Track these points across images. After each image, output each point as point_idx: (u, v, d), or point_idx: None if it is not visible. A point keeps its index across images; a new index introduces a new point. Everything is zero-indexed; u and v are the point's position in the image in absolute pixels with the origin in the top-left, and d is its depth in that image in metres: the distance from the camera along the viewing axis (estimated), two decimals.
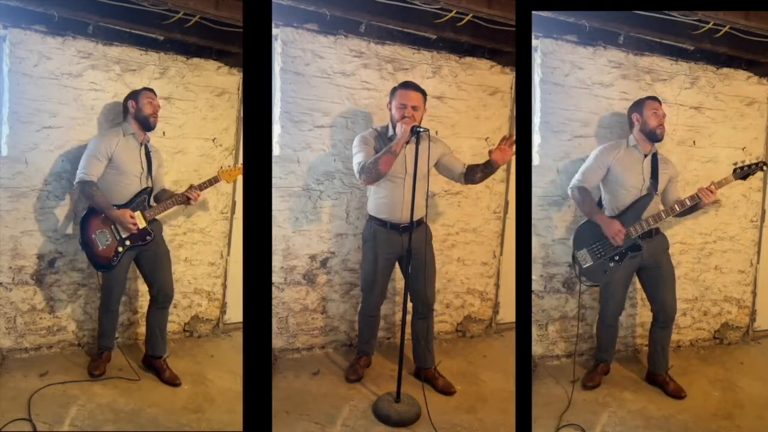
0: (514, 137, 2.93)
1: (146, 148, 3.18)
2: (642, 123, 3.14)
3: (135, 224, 3.05)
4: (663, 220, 3.09)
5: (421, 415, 2.90)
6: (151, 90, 3.19)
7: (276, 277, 3.43)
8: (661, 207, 3.16)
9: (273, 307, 3.41)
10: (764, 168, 3.10)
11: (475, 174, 3.09)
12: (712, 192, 3.04)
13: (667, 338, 3.27)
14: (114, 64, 3.35)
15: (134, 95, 3.15)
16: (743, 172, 3.08)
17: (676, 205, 3.09)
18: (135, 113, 3.12)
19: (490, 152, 2.99)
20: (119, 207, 3.06)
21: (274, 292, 3.43)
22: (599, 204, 3.22)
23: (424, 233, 3.13)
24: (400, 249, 3.09)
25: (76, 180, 3.06)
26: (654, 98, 3.19)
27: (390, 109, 3.04)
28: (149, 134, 3.20)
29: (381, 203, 3.10)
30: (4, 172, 3.19)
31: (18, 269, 3.28)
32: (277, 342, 3.46)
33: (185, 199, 3.20)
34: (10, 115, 3.17)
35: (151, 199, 3.17)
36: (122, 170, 3.09)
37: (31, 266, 3.30)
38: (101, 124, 3.32)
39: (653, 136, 3.12)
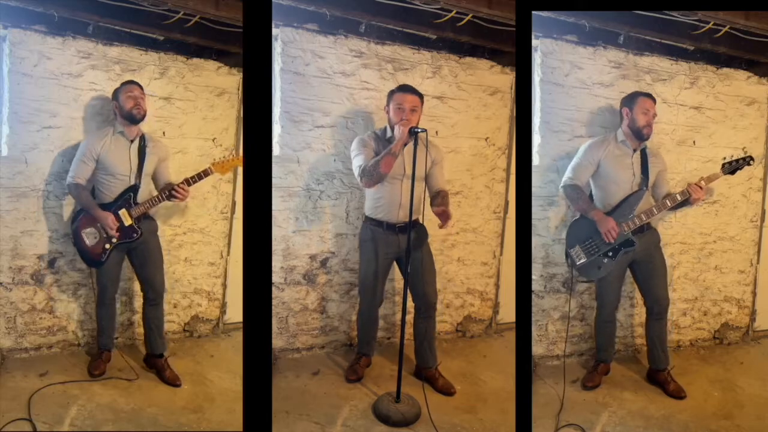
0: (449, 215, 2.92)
1: (141, 142, 3.15)
2: (631, 120, 3.14)
3: (116, 227, 3.06)
4: (655, 215, 3.10)
5: (421, 415, 2.90)
6: (131, 83, 3.14)
7: (276, 277, 3.43)
8: (652, 202, 3.16)
9: (273, 307, 3.41)
10: (751, 162, 3.12)
11: (434, 202, 3.06)
12: (701, 187, 3.04)
13: (663, 331, 3.27)
14: (114, 64, 3.35)
15: (115, 93, 3.13)
16: (731, 167, 3.11)
17: (667, 201, 3.09)
18: (119, 111, 3.11)
19: (437, 210, 2.99)
20: (105, 206, 3.08)
21: (274, 292, 3.43)
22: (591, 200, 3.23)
23: (421, 232, 3.13)
24: (396, 249, 3.10)
25: (66, 183, 3.12)
26: (648, 95, 3.17)
27: (388, 112, 3.07)
28: (141, 127, 3.16)
29: (378, 204, 3.11)
30: (4, 172, 3.19)
31: (18, 269, 3.28)
32: (277, 342, 3.46)
33: (169, 196, 3.11)
34: (10, 115, 3.17)
35: (138, 196, 3.12)
36: (110, 170, 3.09)
37: (31, 266, 3.30)
38: (87, 123, 3.31)
39: (639, 135, 3.12)
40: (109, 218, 3.05)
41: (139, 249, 3.18)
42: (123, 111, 3.09)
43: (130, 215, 3.09)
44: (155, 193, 3.20)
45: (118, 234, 3.07)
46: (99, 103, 3.33)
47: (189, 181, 3.12)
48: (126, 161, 3.12)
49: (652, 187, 3.19)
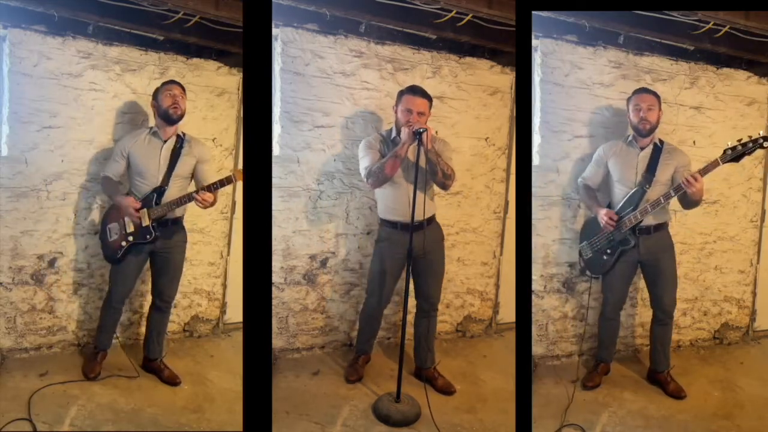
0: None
1: (177, 143, 3.10)
2: (629, 118, 3.17)
3: (137, 211, 3.01)
4: (649, 213, 3.04)
5: (421, 415, 2.91)
6: (172, 82, 3.13)
7: (276, 277, 3.43)
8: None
9: (273, 307, 3.40)
10: (765, 144, 2.75)
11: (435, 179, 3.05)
12: (695, 180, 2.85)
13: (667, 336, 3.28)
14: (114, 64, 3.35)
15: (155, 93, 3.11)
16: (735, 153, 2.80)
17: (661, 198, 3.00)
18: (157, 111, 3.09)
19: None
20: None
21: (274, 292, 3.43)
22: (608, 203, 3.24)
23: (436, 232, 3.14)
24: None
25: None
26: (643, 90, 3.16)
27: (396, 112, 3.08)
28: (174, 128, 3.10)
29: (389, 205, 3.12)
30: (4, 172, 3.19)
31: (18, 269, 3.28)
32: (277, 342, 3.46)
33: (190, 200, 3.04)
34: (10, 115, 3.16)
35: (163, 198, 3.06)
36: (138, 170, 3.07)
37: (31, 266, 3.30)
38: (116, 129, 3.35)
39: (638, 131, 3.12)
40: (128, 201, 3.01)
41: (162, 255, 3.15)
42: (160, 110, 3.06)
43: (149, 216, 3.05)
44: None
45: (138, 222, 3.02)
46: (121, 108, 3.37)
47: (211, 187, 3.02)
48: (156, 161, 3.08)
49: (669, 184, 3.09)
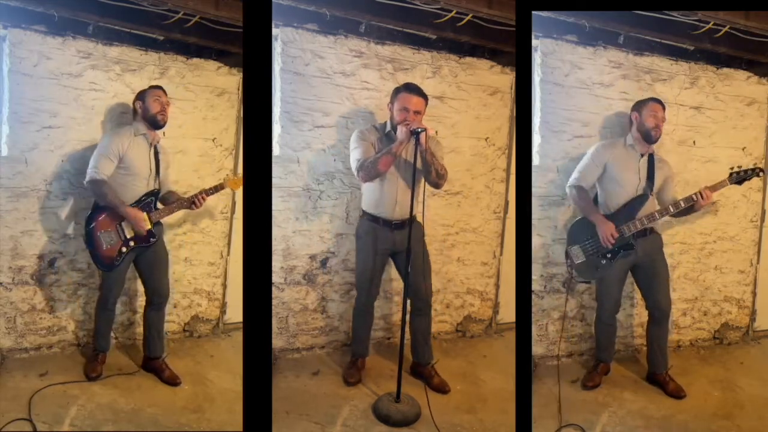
0: None
1: (156, 148, 3.15)
2: (639, 122, 3.15)
3: (145, 225, 3.03)
4: (656, 220, 3.10)
5: (421, 415, 2.91)
6: (158, 87, 3.15)
7: (276, 277, 3.43)
8: (657, 207, 3.16)
9: (273, 307, 3.41)
10: (760, 174, 3.08)
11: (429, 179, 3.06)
12: (707, 196, 3.04)
13: (664, 336, 3.27)
14: (114, 64, 3.35)
15: (141, 95, 3.12)
16: (739, 177, 3.07)
17: (670, 206, 3.09)
18: (143, 113, 3.09)
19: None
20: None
21: (274, 292, 3.43)
22: (596, 202, 3.23)
23: (416, 231, 3.13)
24: (392, 245, 3.12)
25: (87, 179, 3.00)
26: (657, 101, 3.18)
27: (391, 109, 3.07)
28: (159, 133, 3.17)
29: (375, 200, 3.12)
30: (4, 172, 3.19)
31: (18, 269, 3.28)
32: (277, 342, 3.46)
33: (190, 204, 3.15)
34: (10, 115, 3.16)
35: (158, 202, 3.14)
36: (132, 171, 3.06)
37: (31, 266, 3.30)
38: (105, 127, 3.32)
39: (648, 137, 3.12)
40: (140, 215, 3.02)
41: (147, 253, 3.15)
42: (148, 113, 3.08)
43: (150, 220, 3.07)
44: None
45: (144, 233, 3.04)
46: (110, 107, 3.35)
47: (209, 192, 3.17)
48: (147, 164, 3.10)
49: (658, 193, 3.19)
